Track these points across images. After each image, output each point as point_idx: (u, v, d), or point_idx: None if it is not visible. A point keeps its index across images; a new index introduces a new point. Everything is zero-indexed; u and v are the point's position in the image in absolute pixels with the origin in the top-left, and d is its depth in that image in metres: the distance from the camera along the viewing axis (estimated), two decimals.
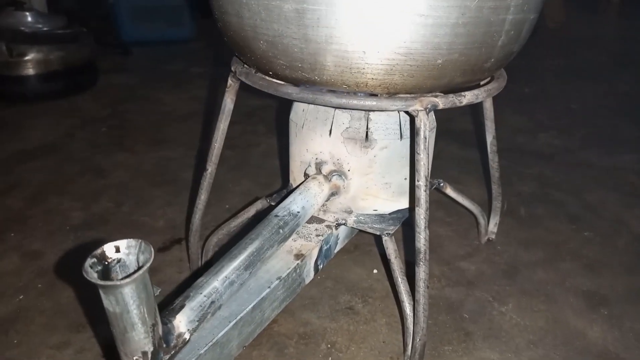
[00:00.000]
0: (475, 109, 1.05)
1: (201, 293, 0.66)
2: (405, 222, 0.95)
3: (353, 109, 0.86)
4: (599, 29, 4.38)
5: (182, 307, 0.64)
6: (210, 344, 0.67)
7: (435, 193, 1.21)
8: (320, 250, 0.91)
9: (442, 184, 1.10)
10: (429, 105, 0.73)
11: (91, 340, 0.93)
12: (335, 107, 0.86)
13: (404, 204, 0.94)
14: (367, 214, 0.93)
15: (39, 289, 1.06)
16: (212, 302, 0.67)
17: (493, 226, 1.25)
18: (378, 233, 0.89)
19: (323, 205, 0.91)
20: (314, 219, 0.95)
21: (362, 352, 0.92)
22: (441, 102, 0.74)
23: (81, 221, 1.31)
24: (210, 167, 0.98)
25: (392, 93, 0.74)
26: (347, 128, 0.87)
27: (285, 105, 1.03)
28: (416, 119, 0.74)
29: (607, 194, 1.49)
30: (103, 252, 0.54)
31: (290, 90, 0.77)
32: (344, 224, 0.94)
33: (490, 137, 1.09)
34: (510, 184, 1.53)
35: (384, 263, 1.16)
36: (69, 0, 3.20)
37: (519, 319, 1.01)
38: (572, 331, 0.98)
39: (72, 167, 1.61)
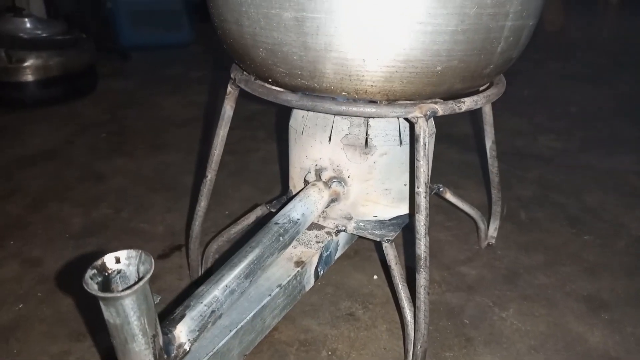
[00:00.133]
0: (475, 113, 1.05)
1: (202, 302, 0.66)
2: (405, 225, 0.95)
3: (353, 116, 0.86)
4: (598, 30, 4.39)
5: (182, 316, 0.64)
6: (211, 353, 0.67)
7: (435, 197, 1.21)
8: (321, 257, 0.91)
9: (441, 189, 1.09)
10: (428, 112, 0.73)
11: (91, 350, 0.93)
12: (335, 114, 0.86)
13: (404, 209, 0.94)
14: (367, 220, 0.93)
15: (39, 297, 1.06)
16: (213, 312, 0.66)
17: (493, 231, 1.25)
18: (378, 239, 0.89)
19: (323, 211, 0.91)
20: (314, 226, 0.94)
21: (363, 358, 0.92)
22: (441, 108, 0.74)
23: (81, 227, 1.31)
24: (210, 174, 0.98)
25: (391, 100, 0.74)
26: (347, 134, 0.87)
27: (284, 110, 1.03)
28: (416, 125, 0.74)
29: (607, 196, 1.49)
30: (103, 263, 0.54)
31: (290, 98, 0.77)
32: (344, 231, 0.93)
33: (489, 142, 1.09)
34: (510, 188, 1.53)
35: (384, 269, 1.16)
36: (68, 6, 3.20)
37: (519, 324, 1.01)
38: (573, 336, 0.98)
39: (72, 173, 1.61)
